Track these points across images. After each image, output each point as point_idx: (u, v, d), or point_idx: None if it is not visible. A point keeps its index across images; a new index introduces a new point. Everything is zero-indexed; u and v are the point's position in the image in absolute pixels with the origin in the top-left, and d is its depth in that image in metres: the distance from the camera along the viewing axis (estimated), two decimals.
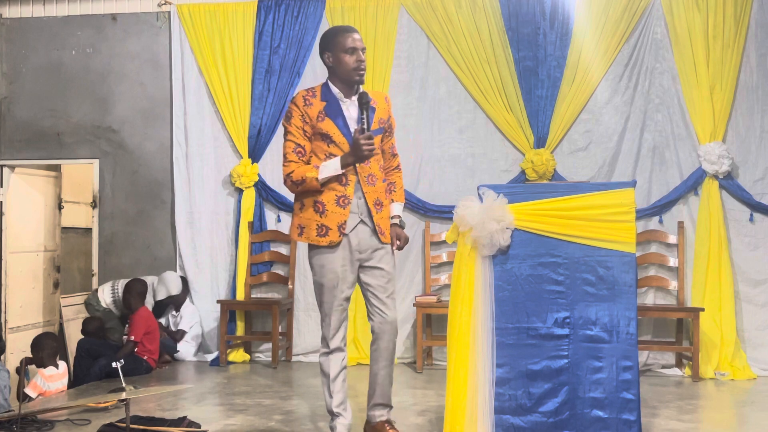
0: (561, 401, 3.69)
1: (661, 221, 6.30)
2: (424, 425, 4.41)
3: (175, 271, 6.98)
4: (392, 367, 4.05)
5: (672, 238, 6.20)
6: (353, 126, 3.81)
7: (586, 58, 6.40)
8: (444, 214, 6.48)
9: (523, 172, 6.47)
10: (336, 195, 3.79)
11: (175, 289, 6.73)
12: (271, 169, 6.89)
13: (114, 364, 4.20)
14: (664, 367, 6.15)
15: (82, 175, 7.98)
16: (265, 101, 6.86)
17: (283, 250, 6.88)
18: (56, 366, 5.83)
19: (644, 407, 4.02)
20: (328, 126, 3.80)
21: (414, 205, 6.64)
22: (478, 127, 6.65)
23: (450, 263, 6.38)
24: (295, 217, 3.93)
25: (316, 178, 3.75)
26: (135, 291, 6.46)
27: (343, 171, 3.77)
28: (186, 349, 6.77)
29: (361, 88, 3.91)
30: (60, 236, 7.87)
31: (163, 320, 6.88)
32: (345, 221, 3.80)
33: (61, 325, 7.69)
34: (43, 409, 4.72)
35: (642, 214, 6.20)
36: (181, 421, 4.33)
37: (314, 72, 6.85)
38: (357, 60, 3.81)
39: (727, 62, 6.20)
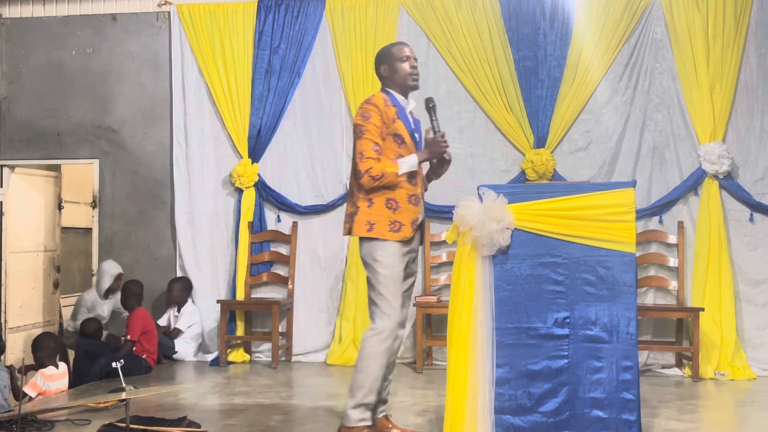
0: (561, 401, 3.68)
1: (661, 221, 6.30)
2: (424, 425, 4.41)
3: (176, 271, 6.99)
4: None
5: (672, 238, 6.20)
6: (415, 126, 4.11)
7: (586, 58, 6.40)
8: (444, 214, 6.48)
9: (523, 172, 6.47)
10: (407, 193, 3.98)
11: (116, 268, 6.90)
12: (271, 169, 6.89)
13: (114, 364, 4.20)
14: (664, 367, 6.15)
15: (82, 175, 7.98)
16: (265, 101, 6.86)
17: (283, 250, 6.88)
18: (56, 366, 5.83)
19: (644, 407, 4.02)
20: (400, 128, 3.99)
21: None
22: (478, 127, 6.65)
23: (450, 263, 6.38)
24: (360, 214, 3.99)
25: (396, 173, 3.92)
26: (131, 292, 6.47)
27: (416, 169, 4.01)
28: (186, 349, 6.77)
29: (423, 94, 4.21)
30: (60, 236, 7.87)
31: (164, 320, 6.88)
32: (417, 218, 4.00)
33: (60, 325, 7.69)
34: (43, 409, 4.72)
35: (642, 214, 6.20)
36: (181, 421, 4.33)
37: (314, 72, 6.86)
38: (411, 66, 4.07)
39: (727, 62, 6.20)
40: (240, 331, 6.79)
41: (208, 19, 6.98)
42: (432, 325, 6.47)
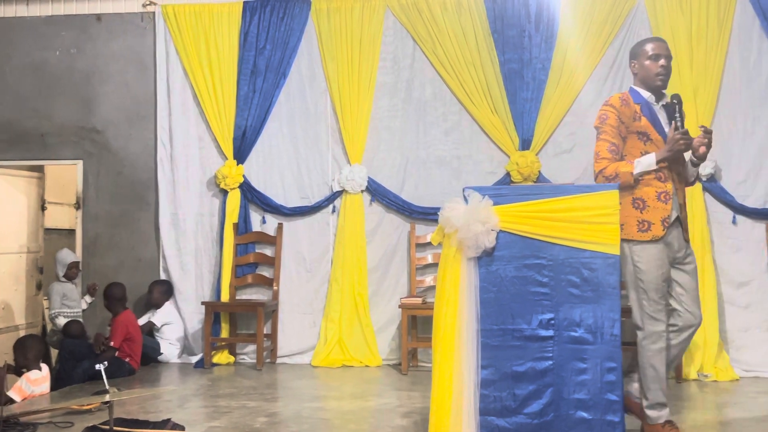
0: (545, 403, 3.69)
1: None
2: (410, 427, 4.41)
3: (159, 273, 6.96)
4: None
5: None
6: (665, 124, 3.98)
7: (571, 60, 6.42)
8: (429, 215, 6.49)
9: (508, 174, 6.49)
10: (656, 191, 3.91)
11: (69, 257, 6.94)
12: (257, 170, 6.88)
13: (97, 367, 4.18)
14: None
15: (66, 176, 7.92)
16: (251, 102, 6.84)
17: (268, 251, 6.87)
18: (39, 369, 5.78)
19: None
20: (645, 125, 3.94)
21: (399, 206, 6.65)
22: (463, 129, 6.66)
23: (435, 265, 6.38)
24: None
25: (631, 173, 3.87)
26: (113, 296, 6.45)
27: (658, 167, 3.89)
28: (170, 351, 6.74)
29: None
30: (43, 237, 7.81)
31: (143, 320, 6.82)
32: (668, 215, 3.91)
33: (44, 326, 7.63)
34: (26, 412, 4.69)
35: None
36: (164, 424, 4.31)
37: (300, 73, 6.85)
38: (660, 66, 3.95)
39: (711, 65, 6.24)
40: (225, 333, 6.76)
41: (193, 19, 6.96)
42: (417, 326, 6.48)
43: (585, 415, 3.65)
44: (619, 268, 3.70)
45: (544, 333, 3.71)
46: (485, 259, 3.74)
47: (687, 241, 4.02)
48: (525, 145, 6.47)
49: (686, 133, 3.84)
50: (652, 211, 3.89)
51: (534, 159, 6.42)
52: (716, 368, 5.94)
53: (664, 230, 3.88)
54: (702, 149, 3.92)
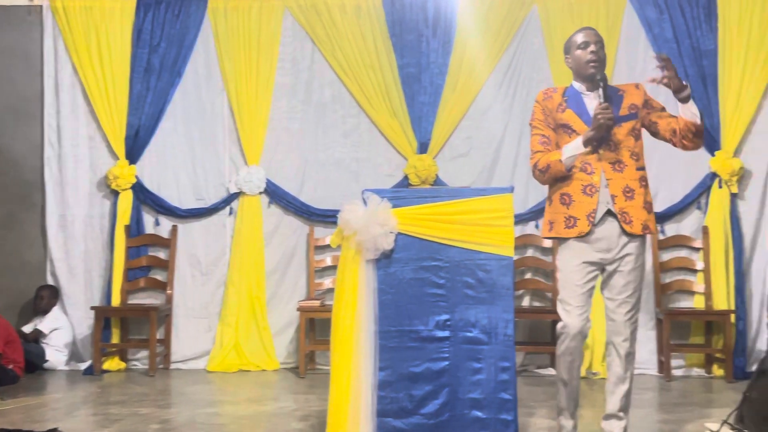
0: (441, 403, 3.75)
1: (537, 226, 6.50)
2: (306, 430, 4.39)
3: (46, 277, 6.69)
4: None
5: (547, 242, 6.41)
6: None
7: (468, 65, 6.54)
8: (328, 218, 6.48)
9: (406, 177, 6.55)
10: (582, 184, 3.71)
11: None
12: (150, 170, 6.71)
13: None
14: (539, 367, 6.35)
15: None
16: (144, 101, 6.67)
17: (162, 254, 6.70)
18: None
19: (521, 407, 4.13)
20: (568, 116, 3.78)
21: (298, 209, 6.61)
22: (362, 131, 6.69)
23: (334, 267, 6.38)
24: (546, 215, 3.88)
25: (560, 160, 3.71)
26: None
27: (587, 150, 3.68)
28: (57, 357, 6.49)
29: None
30: None
31: (29, 327, 6.54)
32: (594, 210, 3.70)
33: None
34: None
35: (519, 219, 6.37)
36: None
37: (195, 72, 6.73)
38: (590, 52, 3.76)
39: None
40: (115, 338, 6.56)
41: (83, 14, 6.71)
42: (316, 329, 6.46)
43: (479, 414, 3.73)
44: (512, 270, 3.79)
45: (440, 334, 3.77)
46: (384, 261, 3.77)
47: (630, 235, 3.72)
48: (423, 148, 6.55)
49: (607, 107, 3.62)
50: (577, 206, 3.71)
51: (431, 162, 6.51)
52: (604, 366, 6.16)
53: (590, 226, 3.68)
54: (665, 80, 3.61)
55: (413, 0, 6.56)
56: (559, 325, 3.77)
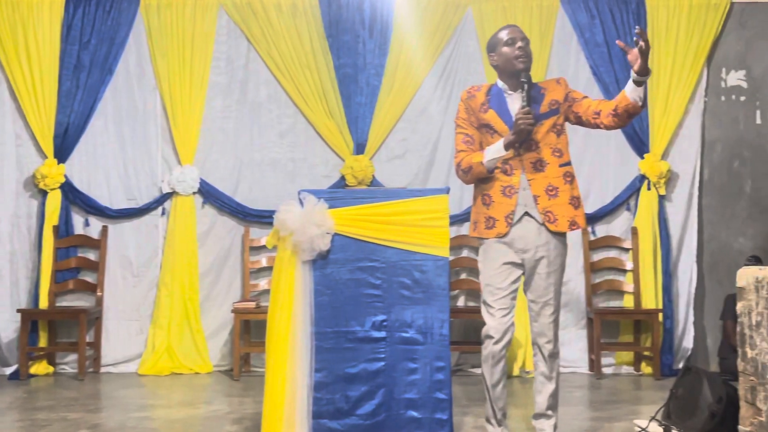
0: (377, 403, 3.76)
1: None
2: None
3: None
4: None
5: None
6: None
7: (404, 67, 6.57)
8: (264, 218, 6.43)
9: (343, 177, 6.55)
10: (502, 185, 3.69)
11: None
12: (79, 170, 6.54)
13: None
14: (474, 366, 6.42)
15: None
16: (74, 98, 6.50)
17: (92, 255, 6.55)
18: None
19: (456, 406, 4.18)
20: (490, 116, 3.75)
21: (233, 209, 6.54)
22: (298, 131, 6.65)
23: (270, 268, 6.33)
24: (471, 214, 3.84)
25: (481, 162, 3.68)
26: None
27: (509, 154, 3.65)
28: None
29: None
30: None
31: None
32: (512, 212, 3.68)
33: None
34: None
35: (455, 219, 6.43)
36: None
37: (127, 70, 6.59)
38: (517, 48, 3.73)
39: (532, 75, 6.55)
40: (43, 342, 6.38)
41: (9, 9, 6.51)
42: (251, 331, 6.40)
43: (415, 414, 3.75)
44: (448, 270, 3.82)
45: (376, 334, 3.78)
46: (320, 262, 3.77)
47: (553, 234, 3.72)
48: (359, 149, 6.55)
49: (528, 111, 3.60)
50: (497, 207, 3.70)
51: (368, 163, 6.52)
52: None
53: (507, 227, 3.68)
54: (638, 61, 3.51)
55: (350, 0, 6.56)
56: (483, 329, 3.77)
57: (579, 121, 3.85)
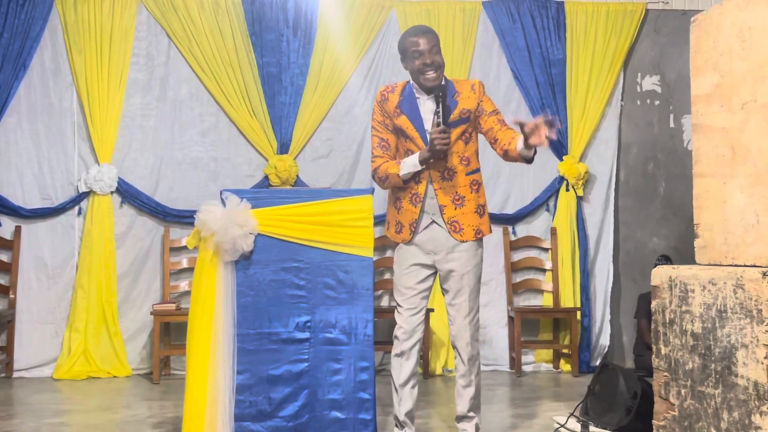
0: (301, 405, 3.74)
1: None
2: None
3: None
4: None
5: None
6: (429, 120, 3.69)
7: (328, 67, 6.56)
8: (185, 218, 6.32)
9: (266, 177, 6.49)
10: (410, 193, 3.73)
11: None
12: None
13: None
14: None
15: None
16: None
17: (4, 256, 6.32)
18: None
19: (379, 406, 4.18)
20: (402, 121, 3.75)
21: (153, 209, 6.41)
22: (221, 130, 6.57)
23: (191, 269, 6.23)
24: (387, 215, 3.84)
25: (398, 175, 3.68)
26: None
27: (423, 167, 3.65)
28: None
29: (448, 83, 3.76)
30: None
31: None
32: (416, 220, 3.72)
33: None
34: None
35: (379, 220, 6.43)
36: None
37: (42, 65, 6.39)
38: (421, 63, 3.68)
39: (456, 77, 6.63)
40: None
41: None
42: (171, 333, 6.28)
43: (339, 414, 3.75)
44: (372, 270, 3.83)
45: (300, 335, 3.76)
46: (243, 263, 3.73)
47: (462, 241, 3.71)
48: (283, 149, 6.51)
49: (444, 131, 3.56)
50: (404, 213, 3.74)
51: (292, 163, 6.48)
52: None
53: (410, 235, 3.72)
54: (538, 137, 3.37)
55: None
56: (395, 328, 3.79)
57: (481, 133, 3.85)
